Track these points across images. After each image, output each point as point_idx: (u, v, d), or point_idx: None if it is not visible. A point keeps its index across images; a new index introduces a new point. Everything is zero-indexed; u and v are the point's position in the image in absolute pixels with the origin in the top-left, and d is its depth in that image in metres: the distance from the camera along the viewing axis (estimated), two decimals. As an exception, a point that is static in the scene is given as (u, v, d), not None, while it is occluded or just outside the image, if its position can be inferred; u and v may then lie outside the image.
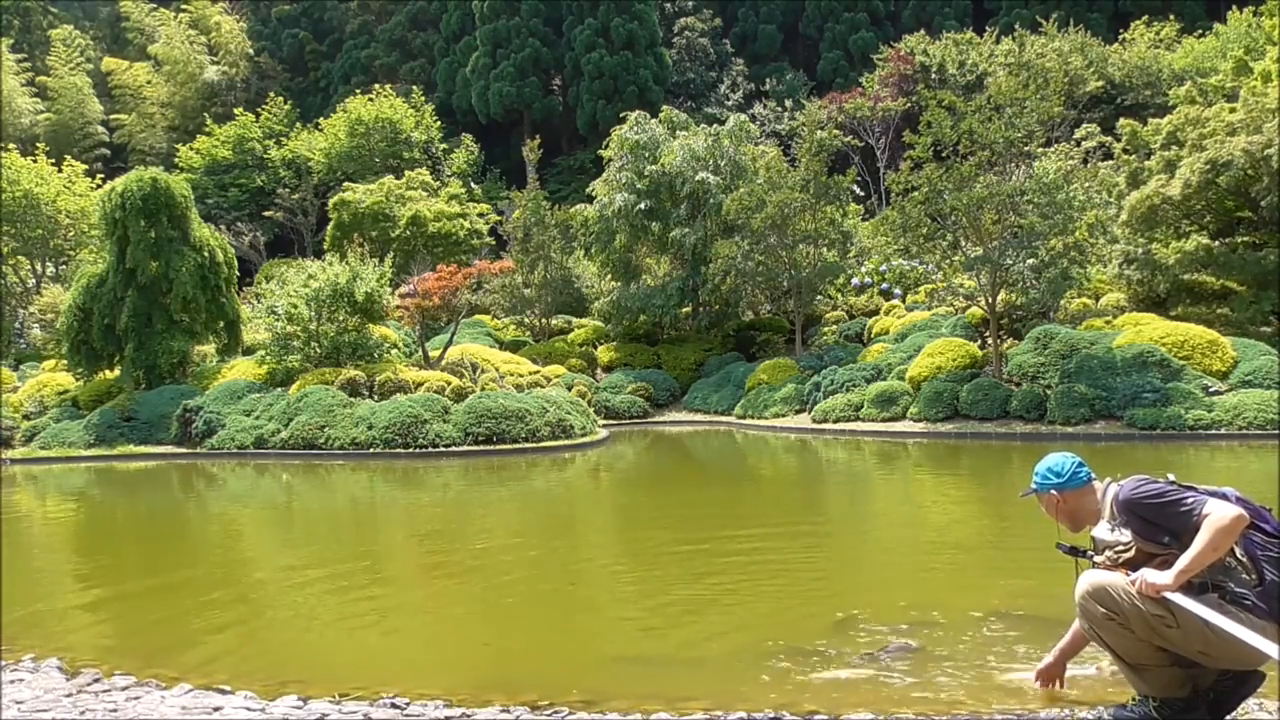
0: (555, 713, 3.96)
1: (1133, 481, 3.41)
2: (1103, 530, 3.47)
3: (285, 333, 20.21)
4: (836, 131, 24.38)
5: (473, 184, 40.56)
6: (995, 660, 4.44)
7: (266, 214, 41.82)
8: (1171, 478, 3.42)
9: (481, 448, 16.71)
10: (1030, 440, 15.24)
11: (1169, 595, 3.19)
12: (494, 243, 35.27)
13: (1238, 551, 3.22)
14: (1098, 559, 3.51)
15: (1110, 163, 23.39)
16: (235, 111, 46.94)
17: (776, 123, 40.40)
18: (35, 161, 33.92)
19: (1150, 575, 3.24)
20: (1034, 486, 3.61)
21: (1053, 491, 3.54)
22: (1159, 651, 3.32)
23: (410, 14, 52.05)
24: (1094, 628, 3.41)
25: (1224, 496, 3.28)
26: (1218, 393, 15.14)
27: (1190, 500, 3.26)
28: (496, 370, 21.06)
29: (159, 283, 21.20)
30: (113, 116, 50.96)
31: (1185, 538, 3.23)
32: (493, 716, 3.93)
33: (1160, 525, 3.30)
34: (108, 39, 58.16)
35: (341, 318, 20.38)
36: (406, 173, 36.44)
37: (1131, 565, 3.37)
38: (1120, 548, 3.40)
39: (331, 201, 34.52)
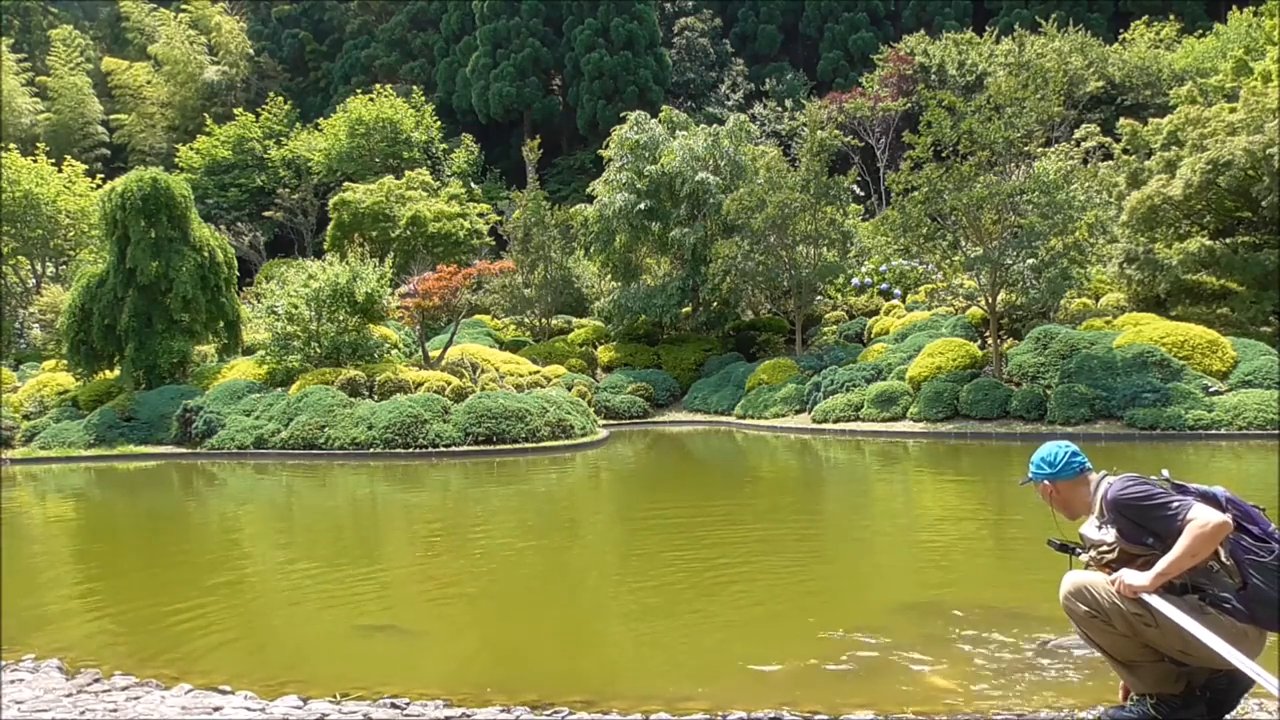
0: (555, 713, 3.96)
1: (1122, 480, 3.40)
2: (1090, 529, 3.48)
3: (285, 333, 20.21)
4: (837, 131, 24.37)
5: (473, 184, 40.55)
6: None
7: (266, 214, 41.82)
8: (1166, 474, 3.41)
9: (481, 448, 16.70)
10: (1030, 440, 15.23)
11: (1147, 598, 3.19)
12: (494, 243, 35.26)
13: (1222, 554, 3.21)
14: (1083, 557, 3.52)
15: (1110, 163, 23.39)
16: (235, 111, 46.94)
17: (776, 123, 40.40)
18: (35, 161, 33.92)
19: (1129, 576, 3.25)
20: (1029, 475, 3.63)
21: (1045, 481, 3.56)
22: (1147, 648, 3.33)
23: (410, 14, 52.05)
24: (1080, 626, 3.44)
25: (1214, 497, 3.27)
26: (1218, 393, 15.14)
27: (1176, 504, 3.25)
28: (496, 370, 21.06)
29: (159, 283, 21.19)
30: (113, 116, 50.95)
31: (1169, 540, 3.22)
32: (493, 716, 3.93)
33: (1145, 526, 3.30)
34: (108, 39, 58.15)
35: (341, 318, 20.38)
36: (406, 173, 36.43)
37: (1115, 566, 3.38)
38: (1104, 548, 3.41)
39: (331, 201, 34.52)
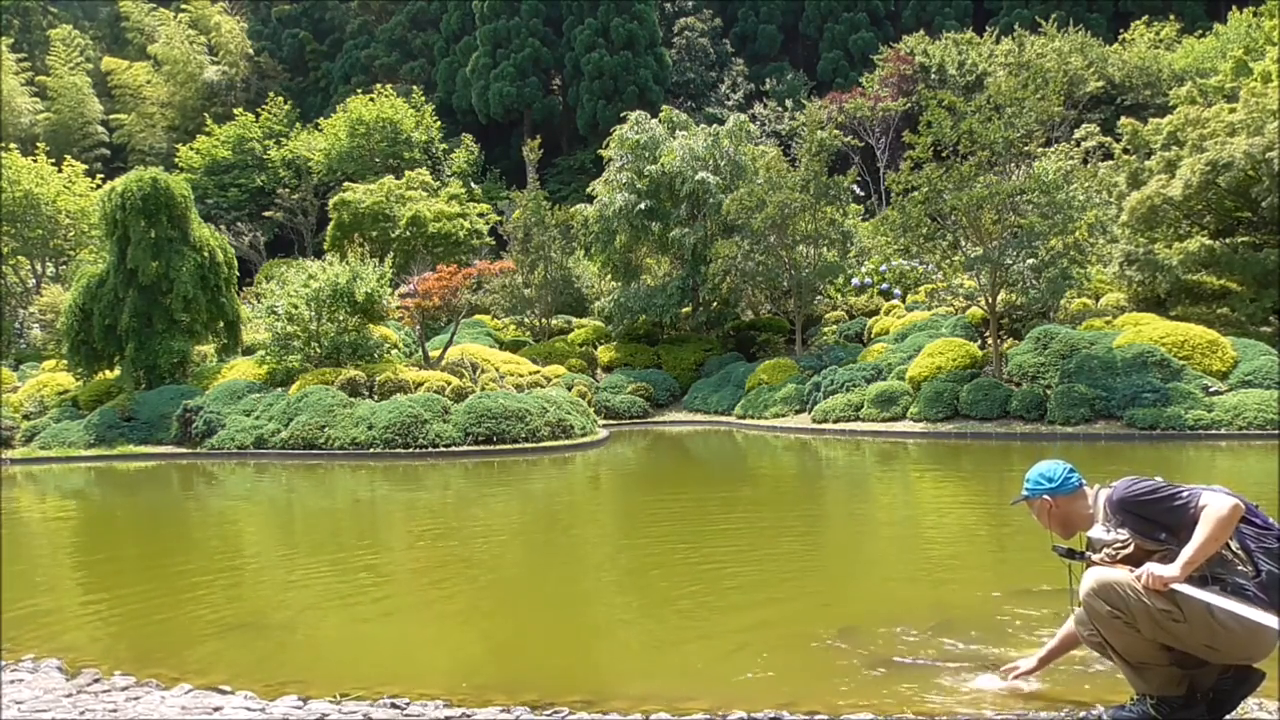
0: (555, 713, 3.96)
1: (1125, 482, 3.44)
2: (1098, 531, 3.49)
3: (285, 333, 20.21)
4: (837, 131, 24.38)
5: (473, 184, 40.56)
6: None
7: (266, 214, 41.83)
8: (1160, 479, 3.44)
9: (481, 448, 16.71)
10: (1030, 440, 15.24)
11: (1176, 587, 3.20)
12: (494, 243, 35.27)
13: (1232, 545, 3.25)
14: (1095, 558, 3.52)
15: (1110, 163, 23.40)
16: (235, 111, 46.95)
17: (776, 123, 40.40)
18: (35, 161, 33.92)
19: (1155, 569, 3.26)
20: (1025, 493, 3.65)
21: (1045, 496, 3.57)
22: (1162, 650, 3.34)
23: (410, 14, 52.05)
24: (1098, 626, 3.41)
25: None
26: (1218, 393, 15.14)
27: (1185, 495, 3.30)
28: (496, 370, 21.06)
29: (159, 283, 21.20)
30: (113, 116, 50.95)
31: (1182, 533, 3.25)
32: (493, 716, 3.93)
33: (1156, 521, 3.33)
34: (108, 39, 58.15)
35: (341, 318, 20.38)
36: (406, 173, 36.44)
37: (1130, 562, 3.39)
38: (1119, 544, 3.42)
39: (331, 201, 34.52)
